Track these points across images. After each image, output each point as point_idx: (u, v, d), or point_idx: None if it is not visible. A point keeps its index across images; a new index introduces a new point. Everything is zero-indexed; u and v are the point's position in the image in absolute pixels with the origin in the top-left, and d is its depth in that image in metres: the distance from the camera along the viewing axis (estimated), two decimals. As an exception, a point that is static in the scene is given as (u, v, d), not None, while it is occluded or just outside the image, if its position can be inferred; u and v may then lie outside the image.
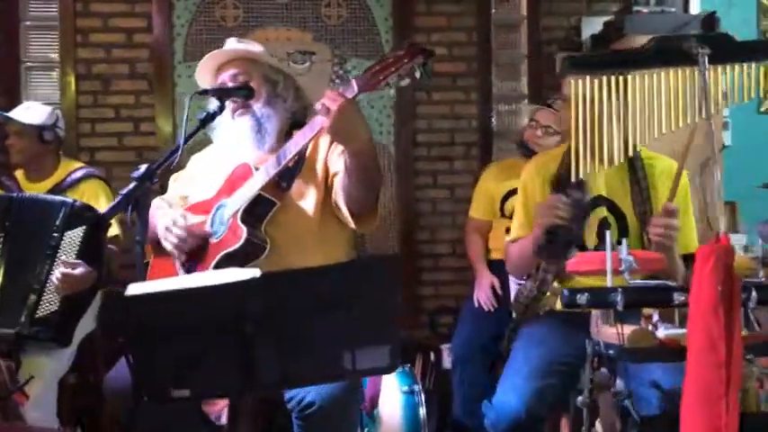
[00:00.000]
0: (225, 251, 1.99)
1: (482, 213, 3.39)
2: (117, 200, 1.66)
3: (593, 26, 3.73)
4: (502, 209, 3.32)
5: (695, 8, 3.75)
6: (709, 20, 3.30)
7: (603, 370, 1.54)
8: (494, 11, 3.99)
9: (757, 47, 1.60)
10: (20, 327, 2.57)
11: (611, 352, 1.56)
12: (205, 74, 2.25)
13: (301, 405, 1.84)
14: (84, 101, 3.83)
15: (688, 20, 3.34)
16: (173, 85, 3.87)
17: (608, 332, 1.58)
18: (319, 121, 1.90)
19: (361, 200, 2.00)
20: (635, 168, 2.10)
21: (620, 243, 2.05)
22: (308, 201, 2.09)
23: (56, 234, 2.62)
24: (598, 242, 2.13)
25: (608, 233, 1.51)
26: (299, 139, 1.98)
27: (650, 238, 1.82)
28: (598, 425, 1.67)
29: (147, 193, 1.68)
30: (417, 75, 1.81)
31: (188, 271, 2.07)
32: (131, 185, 1.67)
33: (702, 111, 1.52)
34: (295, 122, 2.18)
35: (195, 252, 2.09)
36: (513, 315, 2.23)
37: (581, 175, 1.60)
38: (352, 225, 2.06)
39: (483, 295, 3.21)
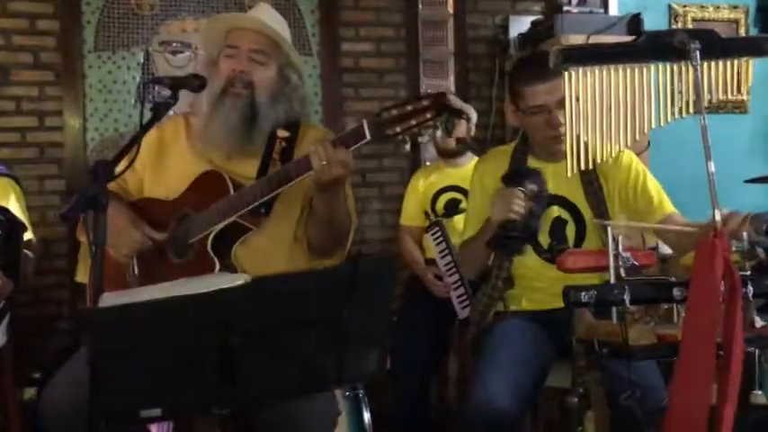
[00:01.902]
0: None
1: (414, 220, 3.37)
2: (73, 199, 1.46)
3: (520, 25, 3.78)
4: (434, 207, 3.30)
5: (613, 10, 3.88)
6: (635, 21, 3.41)
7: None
8: (421, 7, 3.96)
9: (742, 44, 1.62)
10: None
11: (605, 350, 1.52)
12: (216, 31, 1.99)
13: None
14: (-19, 93, 3.48)
15: (614, 21, 3.43)
16: (82, 76, 3.58)
17: (602, 329, 1.56)
18: (309, 165, 1.72)
19: (324, 249, 1.91)
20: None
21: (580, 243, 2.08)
22: (284, 224, 1.94)
23: None
24: (551, 241, 2.13)
25: (609, 228, 1.48)
26: (293, 172, 1.77)
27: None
28: (587, 423, 1.64)
29: (104, 191, 1.49)
30: (438, 133, 1.65)
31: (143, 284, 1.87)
32: (88, 183, 1.48)
33: (693, 105, 1.51)
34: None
35: (151, 264, 1.90)
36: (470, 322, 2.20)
37: (575, 171, 1.56)
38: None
39: (439, 290, 3.17)
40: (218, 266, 1.80)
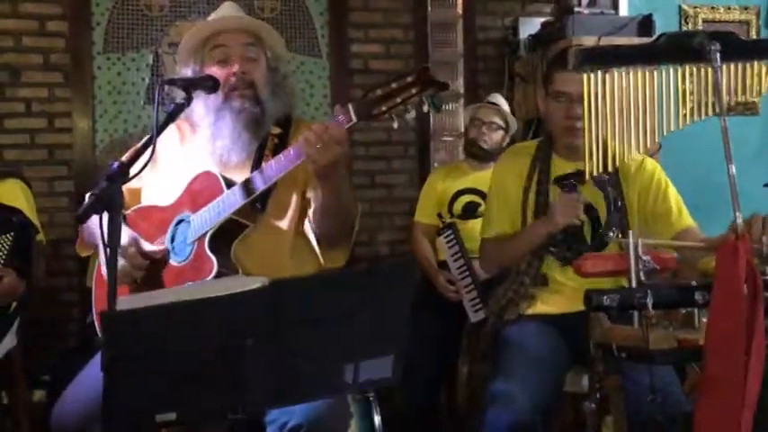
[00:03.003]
0: (191, 282, 1.78)
1: (429, 217, 3.34)
2: (88, 201, 1.45)
3: (530, 27, 3.76)
4: (451, 209, 3.28)
5: (624, 12, 3.86)
6: (646, 22, 3.39)
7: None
8: (430, 9, 3.95)
9: (762, 46, 1.61)
10: None
11: (624, 355, 1.50)
12: (195, 41, 1.95)
13: (286, 429, 1.68)
14: (-10, 94, 3.48)
15: (626, 22, 3.41)
16: (91, 77, 3.58)
17: (619, 334, 1.54)
18: (302, 152, 1.68)
19: (333, 237, 1.87)
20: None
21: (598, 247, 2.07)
22: (283, 219, 1.90)
23: None
24: (569, 243, 2.11)
25: (630, 233, 1.46)
26: (280, 166, 1.74)
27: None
28: (605, 429, 1.63)
29: (119, 193, 1.48)
30: (425, 108, 1.60)
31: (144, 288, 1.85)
32: (102, 185, 1.47)
33: (712, 107, 1.50)
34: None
35: (151, 268, 1.87)
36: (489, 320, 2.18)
37: (594, 173, 1.54)
38: (320, 259, 1.91)
39: (451, 295, 3.14)
40: (215, 266, 1.78)
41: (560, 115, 2.09)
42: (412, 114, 1.61)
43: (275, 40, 2.00)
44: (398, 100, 1.59)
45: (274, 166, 1.76)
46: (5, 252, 2.36)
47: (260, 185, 1.77)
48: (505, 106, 3.40)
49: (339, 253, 1.92)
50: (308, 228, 1.94)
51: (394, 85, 1.60)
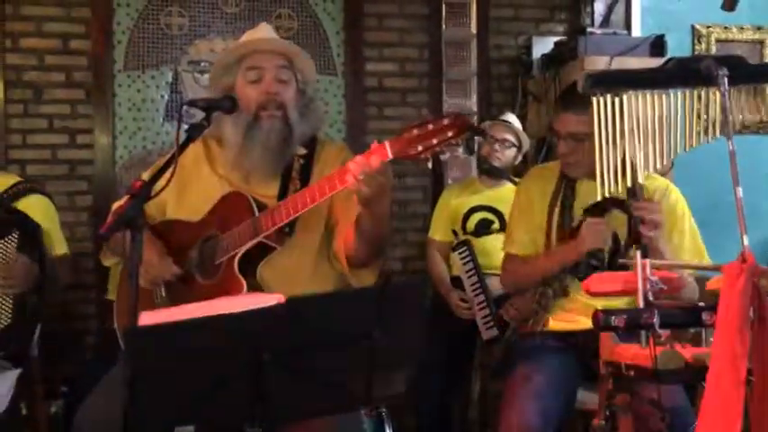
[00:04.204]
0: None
1: (442, 234, 3.38)
2: (111, 219, 1.51)
3: (543, 46, 3.80)
4: (464, 226, 3.31)
5: (636, 32, 3.89)
6: (658, 42, 3.42)
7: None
8: (444, 28, 4.00)
9: (769, 70, 1.64)
10: None
11: (632, 373, 1.53)
12: (230, 59, 2.00)
13: None
14: (14, 110, 3.56)
15: (638, 42, 3.44)
16: (112, 95, 3.66)
17: (626, 353, 1.56)
18: (344, 179, 1.70)
19: (365, 261, 1.90)
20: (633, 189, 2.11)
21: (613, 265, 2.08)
22: (308, 242, 1.95)
23: None
24: (590, 261, 2.13)
25: (638, 253, 1.49)
26: (317, 192, 1.76)
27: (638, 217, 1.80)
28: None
29: (142, 211, 1.53)
30: (460, 150, 1.65)
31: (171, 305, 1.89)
32: (126, 203, 1.52)
33: (721, 128, 1.53)
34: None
35: (179, 286, 1.93)
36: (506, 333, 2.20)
37: (606, 194, 1.57)
38: (352, 282, 1.94)
39: (463, 313, 3.17)
40: (245, 287, 1.82)
41: (560, 151, 2.17)
42: (445, 156, 1.63)
43: (306, 64, 2.05)
44: (435, 141, 1.60)
45: (312, 191, 1.78)
46: (15, 250, 2.43)
47: (294, 210, 1.79)
48: (518, 124, 3.44)
49: (369, 273, 1.94)
50: (335, 254, 1.97)
51: (431, 127, 1.62)
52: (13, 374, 2.53)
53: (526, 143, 3.40)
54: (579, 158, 2.08)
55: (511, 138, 3.35)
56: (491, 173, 3.32)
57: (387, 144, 1.65)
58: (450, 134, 1.60)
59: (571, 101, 2.05)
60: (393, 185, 1.71)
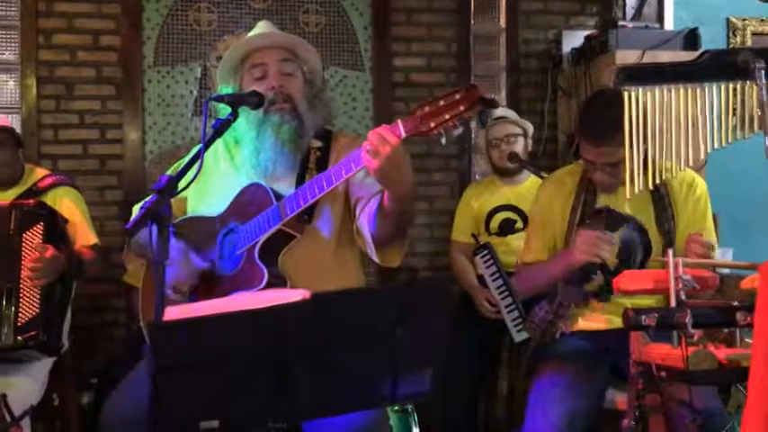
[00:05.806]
0: (241, 290, 1.84)
1: (466, 236, 3.35)
2: (137, 214, 1.51)
3: (573, 40, 3.75)
4: (487, 226, 3.28)
5: (669, 25, 3.82)
6: (692, 36, 3.35)
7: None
8: (473, 22, 3.96)
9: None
10: (4, 339, 2.37)
11: (663, 374, 1.49)
12: (232, 62, 2.02)
13: None
14: (46, 106, 3.60)
15: (671, 36, 3.38)
16: (142, 90, 3.69)
17: (657, 353, 1.53)
18: (360, 159, 1.69)
19: (390, 239, 1.87)
20: (656, 185, 2.07)
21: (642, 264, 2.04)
22: (328, 229, 1.95)
23: (15, 238, 2.48)
24: (618, 262, 2.09)
25: (670, 251, 1.46)
26: (333, 176, 1.76)
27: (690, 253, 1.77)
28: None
29: (168, 206, 1.53)
30: (473, 123, 1.62)
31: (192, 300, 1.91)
32: (152, 198, 1.52)
33: (758, 123, 1.48)
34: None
35: (201, 278, 1.93)
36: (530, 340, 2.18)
37: (635, 192, 1.54)
38: (376, 259, 1.91)
39: (489, 313, 3.15)
40: (266, 275, 1.83)
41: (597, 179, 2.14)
42: (459, 131, 1.61)
43: (310, 54, 2.06)
44: (447, 116, 1.58)
45: (328, 174, 1.78)
46: (41, 241, 2.48)
47: (311, 195, 1.80)
48: (510, 112, 3.39)
49: (394, 252, 1.92)
50: (358, 230, 1.94)
51: (442, 102, 1.60)
52: (46, 366, 2.57)
53: (529, 126, 3.35)
54: (620, 179, 2.02)
55: (513, 130, 3.30)
56: (507, 172, 3.28)
57: (399, 122, 1.64)
58: (462, 108, 1.57)
59: (603, 134, 1.96)
60: (407, 161, 1.67)
